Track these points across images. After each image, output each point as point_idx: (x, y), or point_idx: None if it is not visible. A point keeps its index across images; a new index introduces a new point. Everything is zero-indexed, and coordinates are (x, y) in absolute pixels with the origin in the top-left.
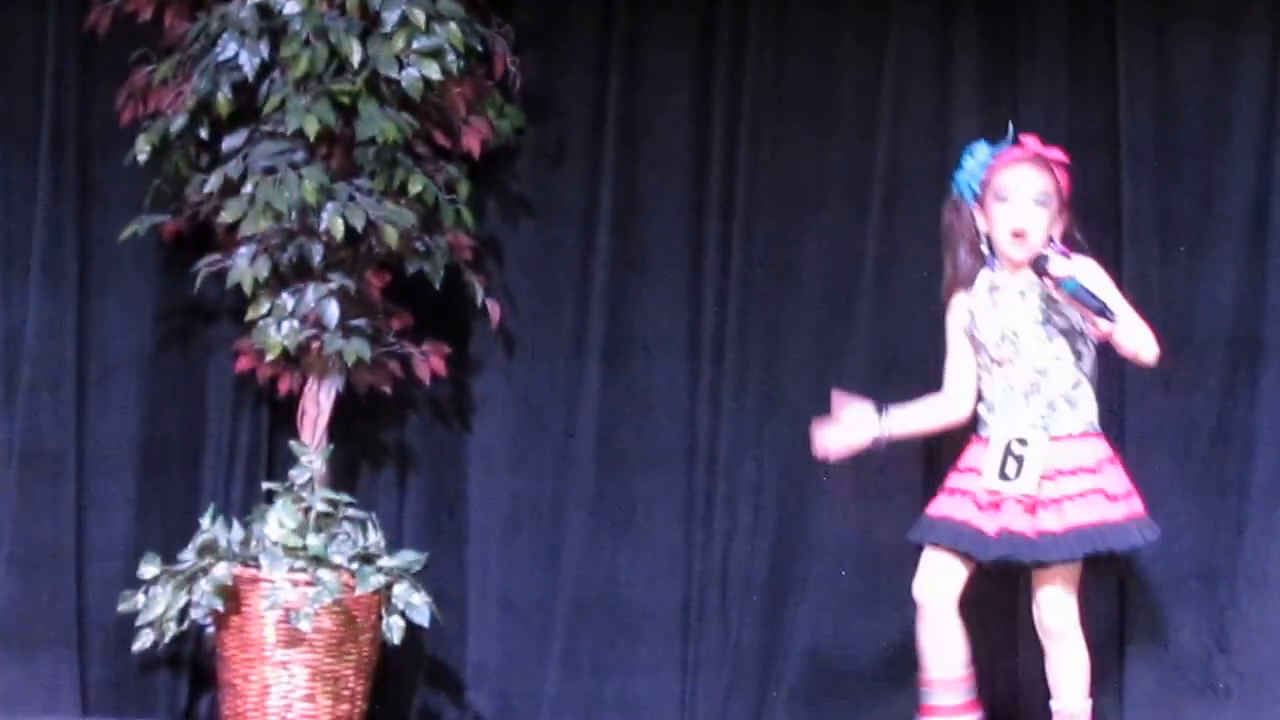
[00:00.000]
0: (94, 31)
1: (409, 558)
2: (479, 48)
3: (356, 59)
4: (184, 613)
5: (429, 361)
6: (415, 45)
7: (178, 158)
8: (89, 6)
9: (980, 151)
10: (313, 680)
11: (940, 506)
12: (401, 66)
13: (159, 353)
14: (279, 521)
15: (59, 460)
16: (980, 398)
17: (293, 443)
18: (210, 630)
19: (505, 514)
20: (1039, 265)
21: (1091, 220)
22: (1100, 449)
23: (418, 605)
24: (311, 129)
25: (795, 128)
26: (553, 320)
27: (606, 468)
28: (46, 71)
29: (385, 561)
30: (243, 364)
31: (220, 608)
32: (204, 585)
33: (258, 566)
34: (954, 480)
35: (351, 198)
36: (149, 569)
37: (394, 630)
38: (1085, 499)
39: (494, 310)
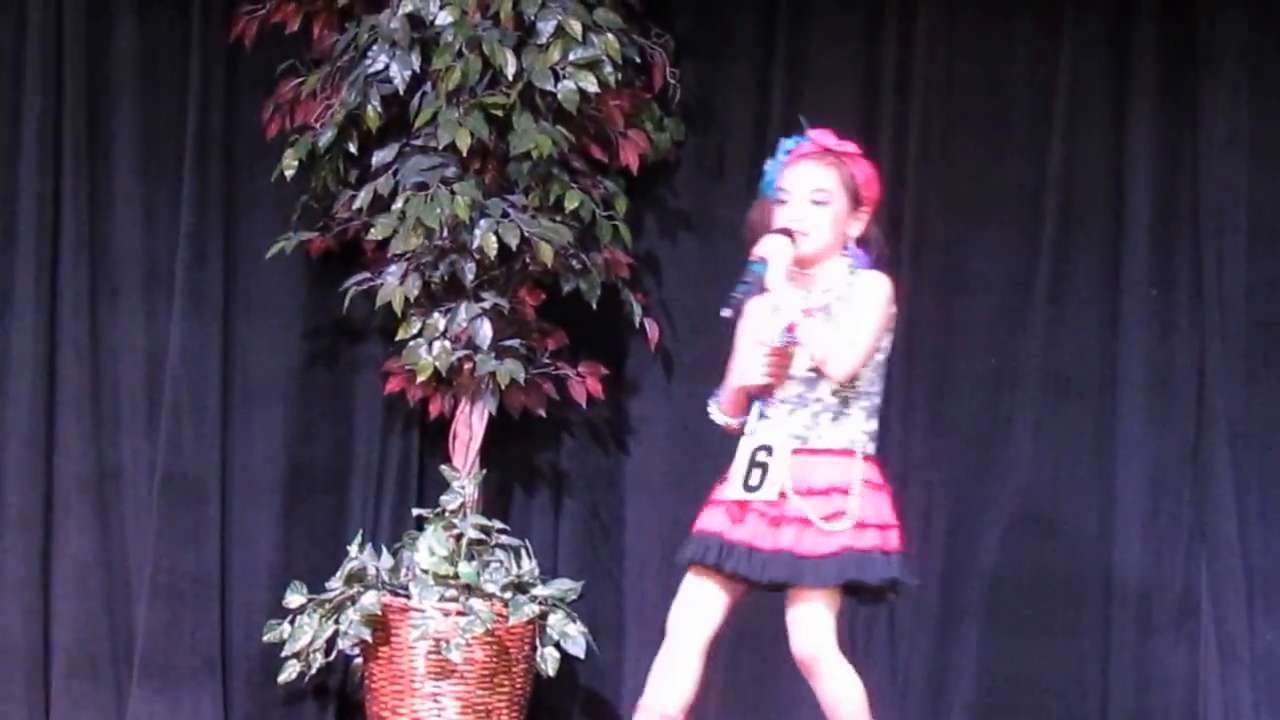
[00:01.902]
0: (239, 42)
1: (564, 586)
2: (636, 59)
3: (510, 71)
4: (331, 643)
5: (585, 382)
6: (571, 56)
7: (325, 172)
8: (234, 16)
9: (781, 150)
10: (464, 713)
11: (705, 519)
12: (557, 79)
13: (305, 373)
14: (429, 549)
15: (202, 485)
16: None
17: (443, 467)
18: (358, 661)
19: (663, 540)
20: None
21: None
22: (861, 470)
23: (573, 635)
24: (464, 143)
25: (965, 137)
26: (712, 339)
27: None
28: (191, 83)
29: (539, 590)
30: (392, 385)
31: (368, 638)
32: (352, 614)
33: (407, 595)
34: (722, 490)
35: (505, 214)
36: (295, 598)
37: (548, 661)
38: (833, 520)
39: (652, 329)
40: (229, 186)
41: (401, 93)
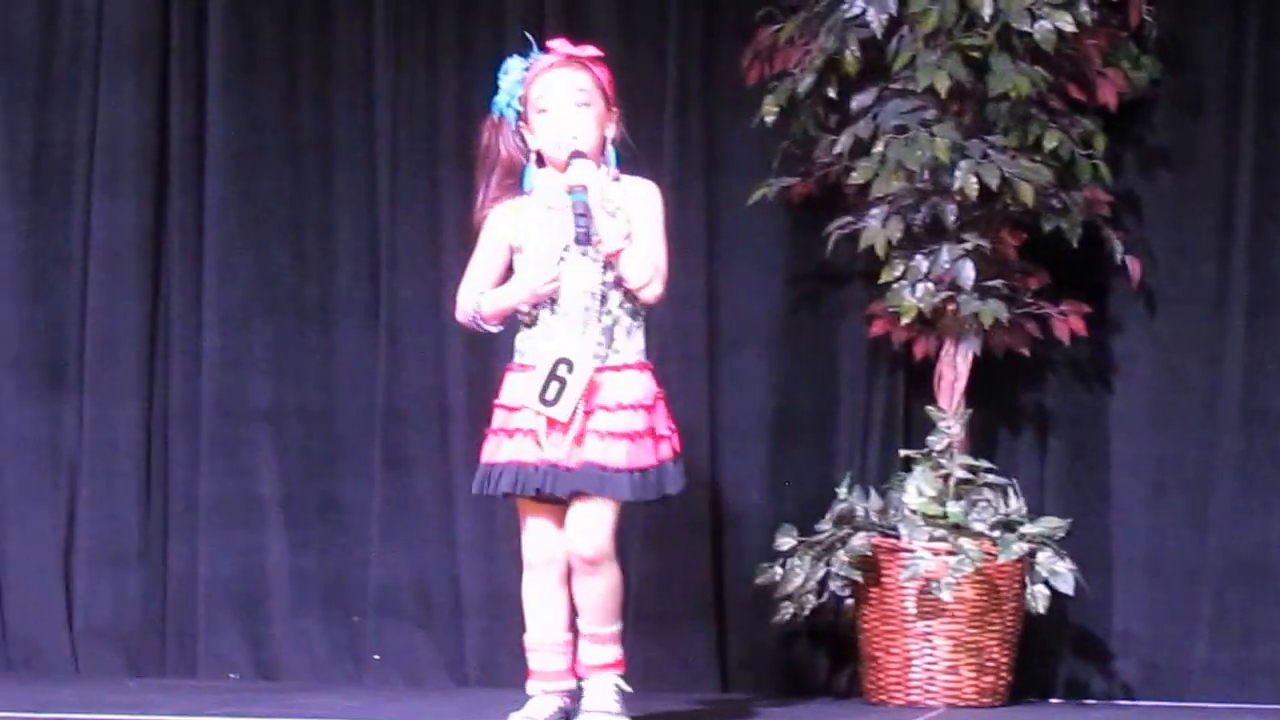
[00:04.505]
0: None
1: (1052, 524)
2: None
3: (987, 12)
4: (823, 584)
5: (1068, 321)
6: None
7: (805, 118)
8: None
9: (513, 67)
10: (955, 651)
11: (505, 450)
12: (1033, 19)
13: (790, 318)
14: (917, 489)
15: (691, 431)
16: (529, 324)
17: (929, 408)
18: (849, 602)
19: (1149, 476)
20: (568, 161)
21: None
22: (652, 384)
23: (1061, 573)
24: (942, 85)
25: None
26: (1194, 275)
27: (1253, 426)
28: (670, 32)
29: (1027, 528)
30: (877, 328)
31: (859, 579)
32: (842, 556)
33: (896, 536)
34: (507, 419)
35: (985, 155)
36: (786, 540)
37: (1038, 599)
38: (641, 438)
39: (1134, 266)
40: (710, 134)
41: (879, 36)
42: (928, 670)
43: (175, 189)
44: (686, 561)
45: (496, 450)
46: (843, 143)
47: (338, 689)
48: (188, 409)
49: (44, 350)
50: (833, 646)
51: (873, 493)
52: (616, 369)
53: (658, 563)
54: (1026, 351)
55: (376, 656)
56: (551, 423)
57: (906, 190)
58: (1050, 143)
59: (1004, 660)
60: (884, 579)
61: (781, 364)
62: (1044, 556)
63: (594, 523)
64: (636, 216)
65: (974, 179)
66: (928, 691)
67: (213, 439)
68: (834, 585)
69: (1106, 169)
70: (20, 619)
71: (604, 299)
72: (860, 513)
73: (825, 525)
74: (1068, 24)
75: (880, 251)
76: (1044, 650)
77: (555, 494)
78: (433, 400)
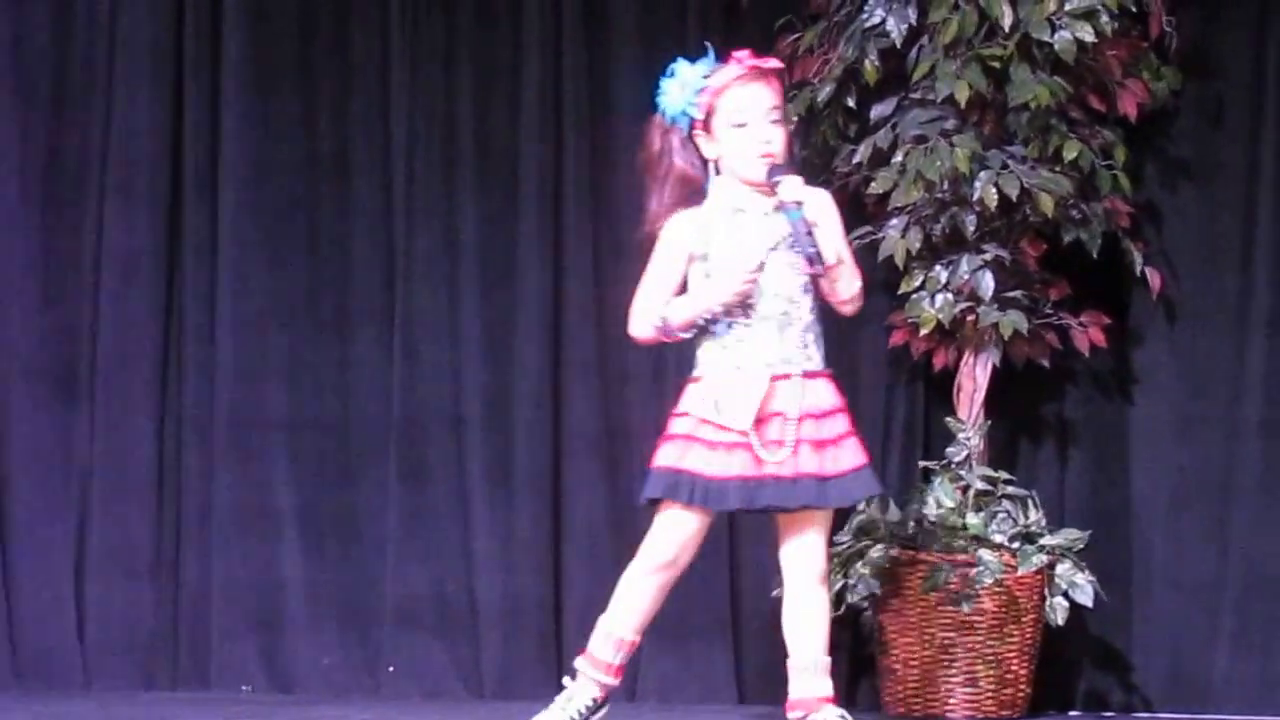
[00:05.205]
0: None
1: (1071, 536)
2: (1133, 7)
3: (1007, 22)
4: (841, 595)
5: (1088, 332)
6: (1067, 6)
7: (825, 127)
8: None
9: (688, 73)
10: (974, 664)
11: (706, 462)
12: (1054, 29)
13: None
14: (937, 500)
15: None
16: (712, 332)
17: (949, 419)
18: (868, 613)
19: (1170, 489)
20: (772, 179)
21: None
22: (837, 391)
23: (1081, 585)
24: (962, 95)
25: None
26: (1215, 287)
27: (1274, 438)
28: (689, 39)
29: (1047, 540)
30: (896, 338)
31: (878, 591)
32: (861, 568)
33: (916, 547)
34: (696, 428)
35: (1005, 165)
36: None
37: (1057, 611)
38: (842, 442)
39: (1154, 278)
40: None
41: (899, 46)
42: (947, 682)
43: (190, 199)
44: (704, 575)
45: (683, 458)
46: (862, 152)
47: (353, 701)
48: (202, 419)
49: (57, 360)
50: (852, 658)
51: (892, 504)
52: (814, 375)
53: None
54: (1046, 363)
55: (391, 669)
56: (764, 438)
57: (926, 200)
58: (1070, 153)
59: (1023, 672)
60: (903, 591)
61: None
62: (1063, 568)
63: (818, 535)
64: (826, 226)
65: (994, 189)
66: (947, 704)
67: (227, 450)
68: (853, 597)
69: (1127, 180)
70: (32, 630)
71: (800, 305)
72: (880, 524)
73: (845, 537)
74: (1088, 34)
75: (899, 262)
76: (1064, 662)
77: (786, 507)
78: (449, 411)
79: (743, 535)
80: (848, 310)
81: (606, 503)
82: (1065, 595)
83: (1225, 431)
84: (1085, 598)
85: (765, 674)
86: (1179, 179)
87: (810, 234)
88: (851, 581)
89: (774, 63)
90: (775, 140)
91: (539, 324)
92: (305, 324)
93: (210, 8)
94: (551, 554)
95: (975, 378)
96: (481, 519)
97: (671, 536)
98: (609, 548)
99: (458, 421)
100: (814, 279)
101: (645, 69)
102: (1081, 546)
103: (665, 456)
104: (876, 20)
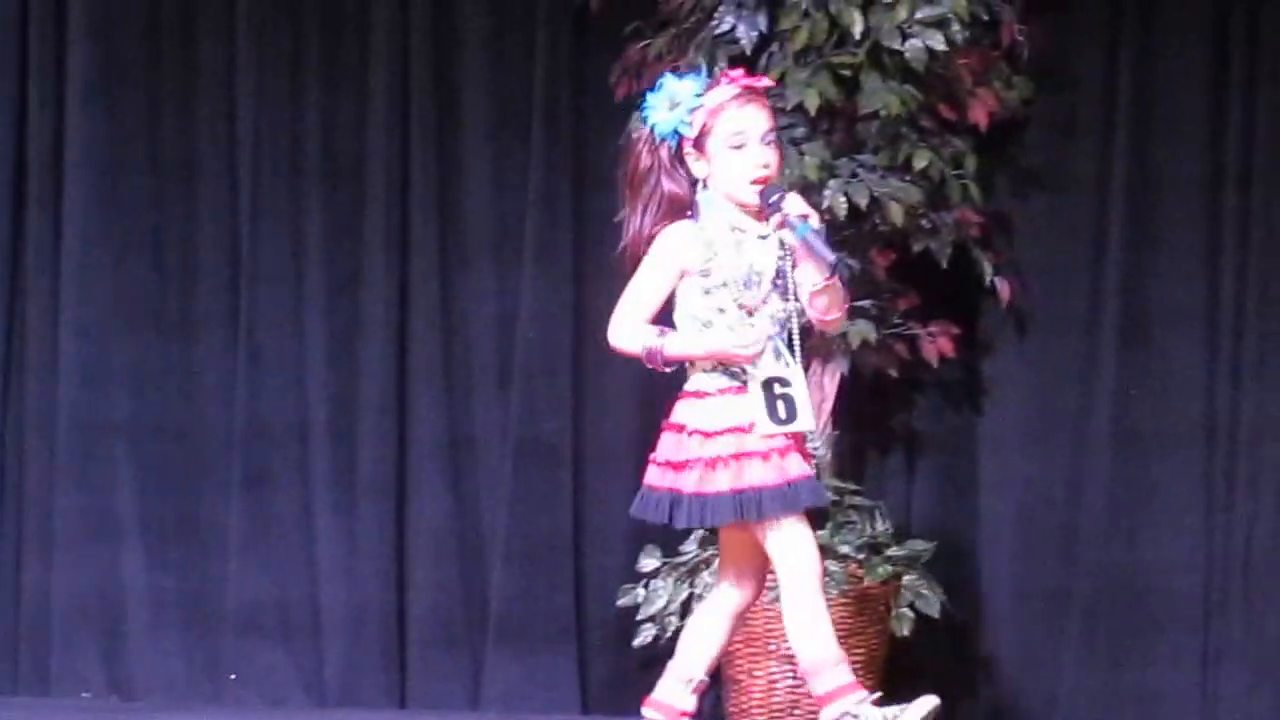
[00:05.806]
0: (587, 5)
1: (918, 547)
2: (985, 17)
3: (858, 30)
4: (686, 606)
5: (937, 342)
6: (918, 15)
7: None
8: None
9: (679, 89)
10: None
11: (781, 470)
12: (905, 37)
13: None
14: None
15: (556, 450)
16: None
17: None
18: None
19: (1018, 500)
20: (770, 201)
21: None
22: None
23: (928, 596)
24: (813, 103)
25: None
26: (1065, 297)
27: (1123, 450)
28: (538, 47)
29: (894, 551)
30: None
31: None
32: (706, 577)
33: None
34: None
35: (855, 174)
36: (649, 561)
37: (903, 622)
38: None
39: (1004, 288)
40: (579, 150)
41: (749, 53)
42: (791, 693)
43: (33, 200)
44: (548, 582)
45: (765, 472)
46: None
47: (194, 709)
48: (43, 423)
49: None
50: None
51: None
52: None
53: (519, 583)
54: (895, 373)
55: (233, 676)
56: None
57: None
58: (920, 162)
59: (870, 684)
60: None
61: (649, 383)
62: (910, 580)
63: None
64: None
65: (843, 198)
66: (791, 715)
67: (69, 454)
68: (697, 607)
69: (977, 189)
70: None
71: (788, 324)
72: None
73: (689, 546)
74: (939, 43)
75: None
76: (910, 674)
77: (822, 505)
78: (293, 417)
79: (588, 544)
80: (834, 327)
81: (451, 510)
82: (912, 606)
83: (1073, 442)
84: (932, 609)
85: (610, 682)
86: (1030, 189)
87: (826, 241)
88: (697, 591)
89: (767, 81)
90: (772, 163)
91: (384, 330)
92: (148, 328)
93: (55, 10)
94: (395, 562)
95: (824, 387)
96: (325, 526)
97: (809, 546)
98: (454, 556)
99: (302, 427)
100: (812, 296)
101: (494, 77)
102: (929, 558)
103: (742, 477)
104: (726, 27)
